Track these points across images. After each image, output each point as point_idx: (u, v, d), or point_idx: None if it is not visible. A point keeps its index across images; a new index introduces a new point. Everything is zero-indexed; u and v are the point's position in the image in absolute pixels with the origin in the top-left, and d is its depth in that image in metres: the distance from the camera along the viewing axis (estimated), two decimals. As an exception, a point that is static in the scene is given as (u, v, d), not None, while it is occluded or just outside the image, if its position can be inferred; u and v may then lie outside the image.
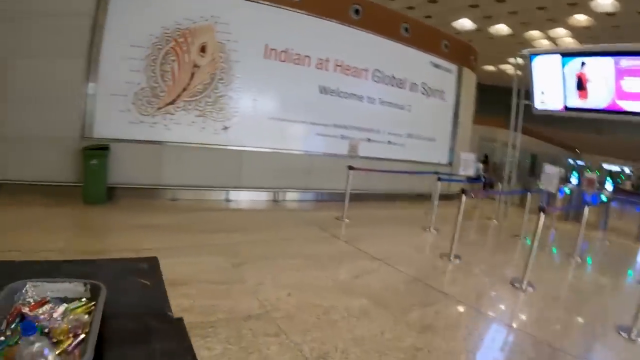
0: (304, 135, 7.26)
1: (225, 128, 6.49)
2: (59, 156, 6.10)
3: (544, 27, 13.39)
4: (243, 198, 6.78)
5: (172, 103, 6.29)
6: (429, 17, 12.08)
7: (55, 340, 1.05)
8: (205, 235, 4.67)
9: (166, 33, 6.30)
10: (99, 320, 1.10)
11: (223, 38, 6.58)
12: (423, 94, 8.83)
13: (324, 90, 7.38)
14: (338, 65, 7.59)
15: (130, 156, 6.12)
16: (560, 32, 13.53)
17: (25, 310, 1.17)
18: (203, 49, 6.50)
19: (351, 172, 6.27)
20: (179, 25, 6.35)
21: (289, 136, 7.10)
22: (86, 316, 1.15)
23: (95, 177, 5.83)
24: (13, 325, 1.09)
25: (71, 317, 1.14)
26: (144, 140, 6.16)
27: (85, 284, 1.32)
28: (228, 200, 6.65)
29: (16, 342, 1.01)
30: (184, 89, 6.36)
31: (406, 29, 8.51)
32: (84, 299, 1.27)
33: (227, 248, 4.20)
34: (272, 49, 6.95)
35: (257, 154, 6.73)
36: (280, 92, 6.99)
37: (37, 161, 6.14)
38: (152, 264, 1.88)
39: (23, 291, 1.26)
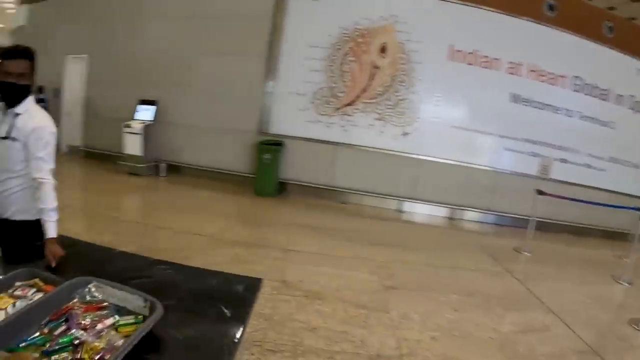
0: (490, 149, 6.30)
1: (405, 134, 5.92)
2: (237, 147, 6.36)
3: None
4: (416, 211, 6.17)
5: (350, 104, 5.95)
6: (633, 18, 10.09)
7: (79, 356, 1.00)
8: (363, 247, 4.29)
9: (345, 33, 6.07)
10: (122, 354, 0.99)
11: (404, 38, 6.06)
12: (631, 108, 7.15)
13: (515, 98, 6.33)
14: (532, 70, 6.47)
15: (305, 154, 6.10)
16: None
17: (79, 310, 1.16)
18: (383, 50, 6.05)
19: (539, 197, 5.14)
20: (357, 26, 6.08)
21: (473, 148, 6.22)
22: (121, 341, 1.06)
23: (267, 170, 5.90)
24: (54, 324, 1.11)
25: (112, 335, 1.09)
26: (320, 140, 6.03)
27: (145, 300, 1.22)
28: (400, 211, 6.12)
29: (44, 344, 1.04)
30: (364, 91, 5.96)
31: (610, 28, 6.99)
32: (140, 316, 1.18)
33: (383, 266, 3.76)
34: (458, 50, 6.18)
35: (436, 165, 6.06)
36: (466, 98, 6.16)
37: (217, 150, 6.51)
38: (252, 287, 1.61)
39: (85, 289, 1.25)
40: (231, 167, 6.39)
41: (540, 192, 5.23)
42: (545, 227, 5.92)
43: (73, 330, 1.07)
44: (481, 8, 6.21)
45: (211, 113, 6.48)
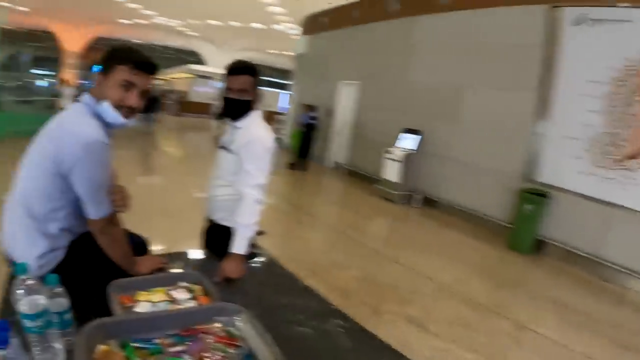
0: None
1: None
2: (496, 191, 6.19)
3: None
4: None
5: (635, 157, 5.31)
6: None
7: None
8: (613, 348, 3.34)
9: (629, 66, 5.11)
10: None
11: None
12: None
13: None
14: None
15: (572, 211, 5.48)
16: None
17: (211, 338, 1.05)
18: (683, 88, 5.05)
19: None
20: (648, 56, 5.11)
21: None
22: None
23: (526, 223, 5.51)
24: (178, 339, 1.03)
25: None
26: (591, 197, 5.38)
27: None
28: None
29: (153, 354, 0.96)
30: (653, 141, 5.21)
31: None
32: None
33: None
34: None
35: None
36: None
37: (474, 189, 6.50)
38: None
39: (231, 318, 1.13)
40: (486, 211, 6.22)
41: None
42: None
43: (186, 357, 0.97)
44: None
45: (474, 149, 6.46)
